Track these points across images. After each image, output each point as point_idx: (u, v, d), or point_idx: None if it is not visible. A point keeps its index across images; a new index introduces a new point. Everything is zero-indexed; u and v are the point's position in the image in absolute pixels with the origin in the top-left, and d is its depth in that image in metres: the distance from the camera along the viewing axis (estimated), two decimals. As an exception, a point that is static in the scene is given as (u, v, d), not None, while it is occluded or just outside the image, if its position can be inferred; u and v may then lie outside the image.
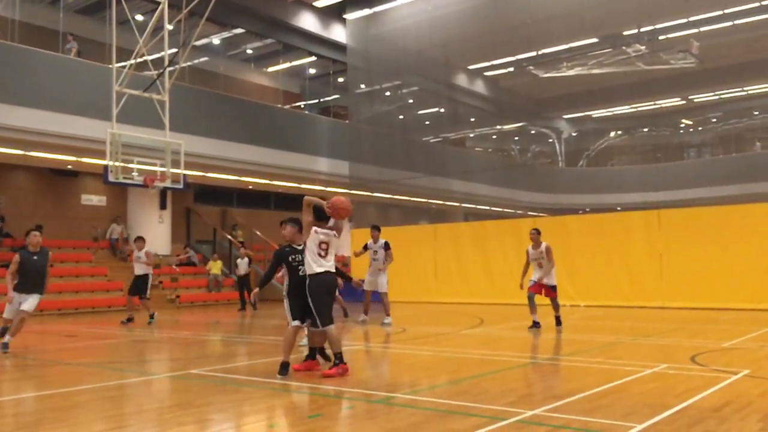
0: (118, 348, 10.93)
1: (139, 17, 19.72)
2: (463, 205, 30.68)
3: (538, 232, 11.74)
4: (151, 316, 14.18)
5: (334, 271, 7.36)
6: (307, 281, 7.20)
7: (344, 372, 7.13)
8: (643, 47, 25.77)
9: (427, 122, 32.54)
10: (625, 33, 25.84)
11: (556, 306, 11.88)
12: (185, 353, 10.14)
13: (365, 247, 13.86)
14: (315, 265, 7.16)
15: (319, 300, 7.17)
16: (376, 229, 13.88)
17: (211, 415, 5.56)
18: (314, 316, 7.17)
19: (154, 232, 22.00)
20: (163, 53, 15.01)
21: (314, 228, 7.25)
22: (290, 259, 7.44)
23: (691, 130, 36.09)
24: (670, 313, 15.28)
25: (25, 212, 21.16)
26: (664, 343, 10.10)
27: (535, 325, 11.57)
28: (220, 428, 5.24)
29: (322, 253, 7.20)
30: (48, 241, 20.29)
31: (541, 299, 11.66)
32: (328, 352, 7.56)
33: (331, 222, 7.52)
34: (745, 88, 30.79)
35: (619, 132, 37.40)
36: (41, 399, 6.32)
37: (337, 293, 8.50)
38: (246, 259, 19.08)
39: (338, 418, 5.60)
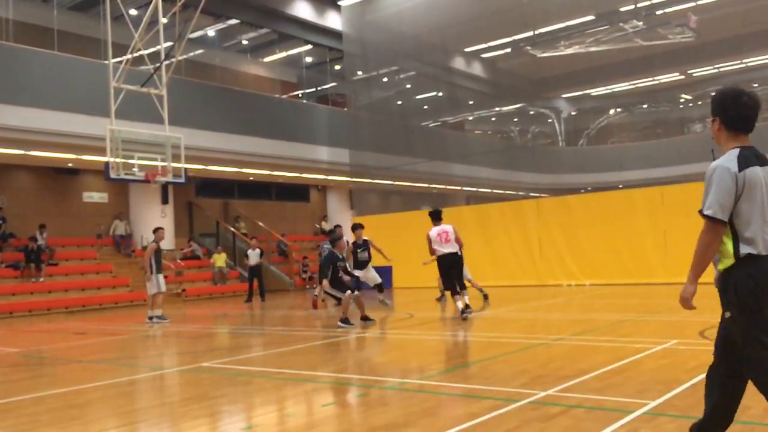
0: (127, 344, 10.97)
1: (133, 12, 19.58)
2: (465, 188, 30.63)
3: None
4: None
5: None
6: None
7: None
8: (641, 23, 25.55)
9: (426, 107, 32.41)
10: (621, 9, 25.60)
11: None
12: (194, 347, 10.18)
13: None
14: None
15: None
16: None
17: (225, 407, 5.58)
18: None
19: (157, 226, 21.99)
20: (158, 47, 14.92)
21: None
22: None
23: (691, 104, 35.92)
24: (675, 289, 15.13)
25: (27, 212, 21.16)
26: (671, 320, 10.11)
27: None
28: (235, 420, 5.26)
29: None
30: (51, 240, 20.58)
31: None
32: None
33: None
34: (743, 61, 30.60)
35: (619, 109, 37.24)
36: (55, 397, 6.34)
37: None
38: (258, 251, 19.20)
39: (352, 406, 5.62)
